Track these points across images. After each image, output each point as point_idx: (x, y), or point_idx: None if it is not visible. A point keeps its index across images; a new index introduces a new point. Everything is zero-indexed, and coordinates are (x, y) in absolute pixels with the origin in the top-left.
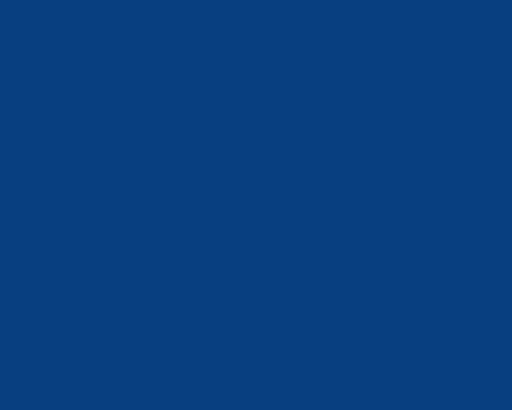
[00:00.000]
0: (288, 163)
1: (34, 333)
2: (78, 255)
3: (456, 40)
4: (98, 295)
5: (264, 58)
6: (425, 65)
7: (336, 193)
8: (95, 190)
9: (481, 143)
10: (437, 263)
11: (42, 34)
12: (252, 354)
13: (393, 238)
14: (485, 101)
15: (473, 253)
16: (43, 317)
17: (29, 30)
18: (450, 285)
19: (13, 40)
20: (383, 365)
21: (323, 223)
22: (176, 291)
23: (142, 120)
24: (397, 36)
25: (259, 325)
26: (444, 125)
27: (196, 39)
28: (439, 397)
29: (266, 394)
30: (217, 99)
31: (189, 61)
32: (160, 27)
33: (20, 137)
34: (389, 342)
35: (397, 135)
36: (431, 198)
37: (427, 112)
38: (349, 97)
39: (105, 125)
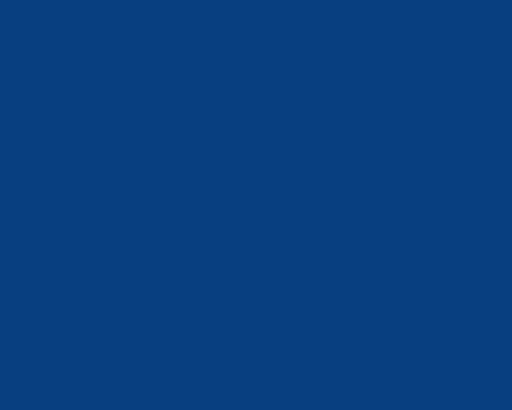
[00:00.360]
0: (288, 163)
1: (34, 332)
2: (77, 255)
3: (456, 40)
4: (98, 294)
5: (264, 58)
6: (425, 65)
7: (336, 193)
8: (94, 190)
9: (481, 143)
10: (437, 263)
11: (41, 33)
12: (252, 353)
13: (393, 238)
14: (485, 101)
15: (473, 253)
16: (42, 316)
17: (28, 29)
18: (450, 285)
19: (12, 39)
20: (383, 365)
21: (323, 223)
22: (175, 290)
23: (141, 120)
24: (397, 36)
25: (259, 325)
26: (444, 125)
27: (196, 39)
28: (439, 397)
29: (266, 394)
30: (216, 98)
31: (188, 60)
32: (160, 27)
33: (20, 136)
34: (389, 341)
35: (397, 135)
36: (431, 198)
37: (428, 112)
38: (349, 97)
39: (104, 124)
